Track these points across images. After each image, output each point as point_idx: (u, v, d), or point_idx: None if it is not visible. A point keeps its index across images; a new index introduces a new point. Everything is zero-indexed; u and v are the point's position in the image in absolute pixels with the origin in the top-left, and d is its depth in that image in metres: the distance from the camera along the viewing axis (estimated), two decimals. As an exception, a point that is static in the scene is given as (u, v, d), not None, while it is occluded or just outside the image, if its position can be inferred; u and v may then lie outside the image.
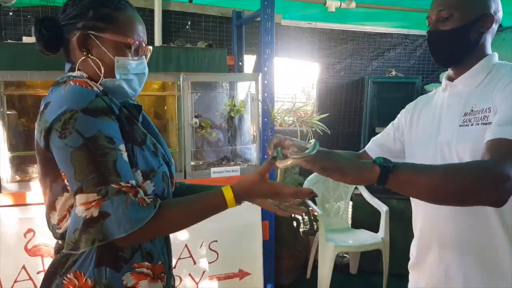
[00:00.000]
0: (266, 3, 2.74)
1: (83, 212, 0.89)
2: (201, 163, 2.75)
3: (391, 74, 3.85)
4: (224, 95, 2.92)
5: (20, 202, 2.20)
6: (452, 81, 1.22)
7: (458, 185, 0.90)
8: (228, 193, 0.97)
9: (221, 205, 0.98)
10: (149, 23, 3.21)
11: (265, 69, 2.79)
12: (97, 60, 1.01)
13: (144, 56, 1.08)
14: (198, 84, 2.76)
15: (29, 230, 2.20)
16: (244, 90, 2.98)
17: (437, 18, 1.17)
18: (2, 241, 2.16)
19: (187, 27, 3.30)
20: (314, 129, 2.87)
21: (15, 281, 2.19)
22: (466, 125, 1.12)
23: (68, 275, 0.98)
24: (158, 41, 3.12)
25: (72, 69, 1.05)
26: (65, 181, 0.94)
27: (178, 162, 2.67)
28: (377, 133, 3.77)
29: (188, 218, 0.98)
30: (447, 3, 1.15)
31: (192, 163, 2.66)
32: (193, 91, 2.67)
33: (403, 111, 1.43)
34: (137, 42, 1.03)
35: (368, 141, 3.95)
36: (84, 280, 0.97)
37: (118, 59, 1.01)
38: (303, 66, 4.23)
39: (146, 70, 1.10)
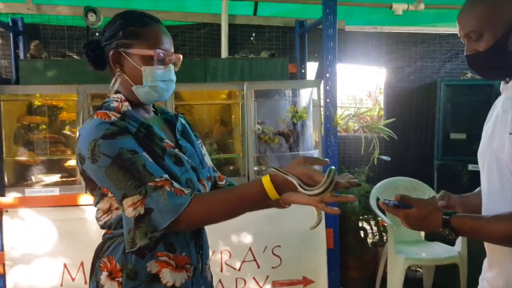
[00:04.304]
0: (328, 10, 2.76)
1: (132, 212, 1.02)
2: (264, 168, 2.81)
3: (467, 77, 3.61)
4: (287, 102, 2.96)
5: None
6: (507, 84, 1.16)
7: None
8: (266, 180, 0.99)
9: (259, 192, 0.99)
10: (216, 37, 3.39)
11: (327, 75, 2.79)
12: (129, 72, 1.16)
13: (171, 64, 1.20)
14: (261, 92, 2.83)
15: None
16: (307, 96, 3.00)
17: (469, 40, 1.12)
18: (88, 237, 2.38)
19: (252, 38, 3.42)
20: (381, 135, 2.80)
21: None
22: None
23: (103, 259, 1.13)
24: (224, 53, 3.27)
25: (115, 90, 1.21)
26: (109, 194, 1.09)
27: (242, 167, 2.76)
28: (452, 139, 3.59)
29: (225, 206, 1.04)
30: (472, 23, 1.09)
31: (255, 168, 2.72)
32: (256, 99, 2.75)
33: None
34: (161, 54, 1.15)
35: (443, 147, 3.73)
36: (114, 264, 1.11)
37: (145, 68, 1.15)
38: (368, 70, 4.14)
39: (173, 77, 1.21)
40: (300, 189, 0.95)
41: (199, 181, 1.20)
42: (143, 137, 1.12)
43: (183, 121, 1.33)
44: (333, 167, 0.97)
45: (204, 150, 1.34)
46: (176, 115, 1.32)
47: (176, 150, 1.18)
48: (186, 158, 1.19)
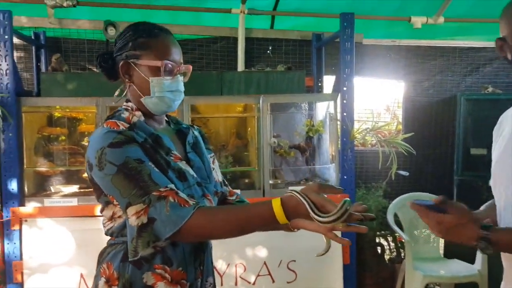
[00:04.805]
0: (345, 24, 2.76)
1: (135, 221, 1.02)
2: (279, 182, 2.80)
3: (487, 91, 3.55)
4: (303, 115, 2.95)
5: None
6: None
7: None
8: (276, 204, 0.96)
9: (268, 215, 0.96)
10: (233, 51, 3.41)
11: (344, 88, 2.78)
12: (138, 83, 1.17)
13: (178, 75, 1.20)
14: (277, 105, 2.83)
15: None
16: (323, 110, 2.98)
17: None
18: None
19: (268, 51, 3.43)
20: (399, 150, 2.76)
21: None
22: None
23: (103, 264, 1.15)
24: (241, 66, 3.28)
25: (126, 98, 1.23)
26: (114, 202, 1.09)
27: (257, 180, 2.75)
28: (473, 155, 3.52)
29: (229, 224, 1.02)
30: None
31: (271, 181, 2.71)
32: (272, 112, 2.75)
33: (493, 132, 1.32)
34: (168, 65, 1.15)
35: (463, 162, 3.65)
36: (112, 271, 1.12)
37: (152, 79, 1.16)
38: (387, 84, 4.10)
39: (181, 87, 1.21)
40: (312, 214, 0.93)
41: (204, 196, 1.19)
42: (149, 148, 1.12)
43: (196, 133, 1.33)
44: (348, 198, 0.94)
45: (214, 165, 1.33)
46: (189, 127, 1.32)
47: (183, 163, 1.18)
48: (192, 173, 1.18)
